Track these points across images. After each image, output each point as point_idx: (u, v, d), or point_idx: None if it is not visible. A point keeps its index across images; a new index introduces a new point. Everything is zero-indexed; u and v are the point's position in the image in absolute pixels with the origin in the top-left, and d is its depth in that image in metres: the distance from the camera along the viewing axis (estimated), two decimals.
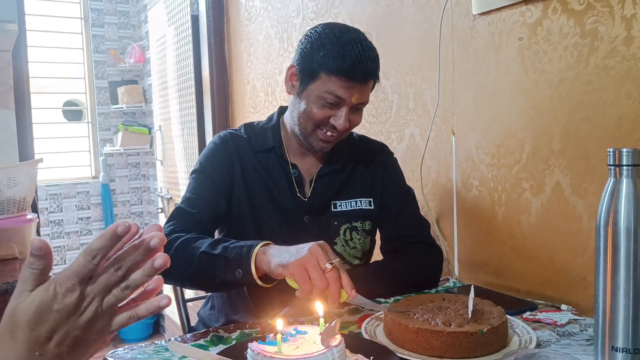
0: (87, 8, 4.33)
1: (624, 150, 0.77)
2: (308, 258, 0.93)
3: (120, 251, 0.58)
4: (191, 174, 1.28)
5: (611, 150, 0.78)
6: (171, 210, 1.41)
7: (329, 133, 1.20)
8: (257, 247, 1.00)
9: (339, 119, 1.16)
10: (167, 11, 3.28)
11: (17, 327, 0.55)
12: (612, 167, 0.78)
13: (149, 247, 0.57)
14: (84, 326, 0.56)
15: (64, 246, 4.27)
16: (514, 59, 1.29)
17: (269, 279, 1.01)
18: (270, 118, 1.35)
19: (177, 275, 1.09)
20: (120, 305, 0.59)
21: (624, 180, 0.77)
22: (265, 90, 2.51)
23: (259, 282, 1.00)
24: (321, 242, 0.97)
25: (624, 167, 0.77)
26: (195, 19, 2.93)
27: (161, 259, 0.58)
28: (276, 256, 0.97)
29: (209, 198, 1.22)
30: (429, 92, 1.55)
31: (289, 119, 1.29)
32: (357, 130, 1.42)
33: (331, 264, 0.93)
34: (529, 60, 1.25)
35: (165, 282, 0.66)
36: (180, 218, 1.19)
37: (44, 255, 0.55)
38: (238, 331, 1.01)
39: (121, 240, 0.57)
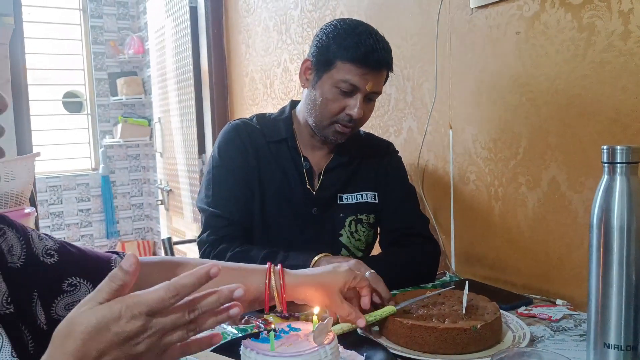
0: None
1: (618, 147, 0.76)
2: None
3: (199, 294, 0.55)
4: (211, 170, 1.26)
5: (605, 147, 0.77)
6: (191, 211, 1.37)
7: (345, 125, 1.20)
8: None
9: (354, 107, 1.17)
10: (166, 2, 3.26)
11: (70, 336, 0.52)
12: (606, 164, 0.78)
13: (231, 298, 0.55)
14: (133, 356, 0.53)
15: (64, 238, 4.27)
16: (511, 53, 1.28)
17: None
18: (282, 110, 1.35)
19: None
20: None
21: (618, 178, 0.77)
22: (263, 83, 2.50)
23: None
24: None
25: (618, 165, 0.76)
26: (193, 10, 2.91)
27: (237, 308, 0.56)
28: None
29: (238, 195, 1.22)
30: (427, 85, 1.55)
31: (301, 112, 1.29)
32: None
33: None
34: (526, 54, 1.24)
35: None
36: (216, 225, 1.19)
37: (132, 273, 0.53)
38: (233, 326, 1.01)
39: (208, 281, 0.54)
